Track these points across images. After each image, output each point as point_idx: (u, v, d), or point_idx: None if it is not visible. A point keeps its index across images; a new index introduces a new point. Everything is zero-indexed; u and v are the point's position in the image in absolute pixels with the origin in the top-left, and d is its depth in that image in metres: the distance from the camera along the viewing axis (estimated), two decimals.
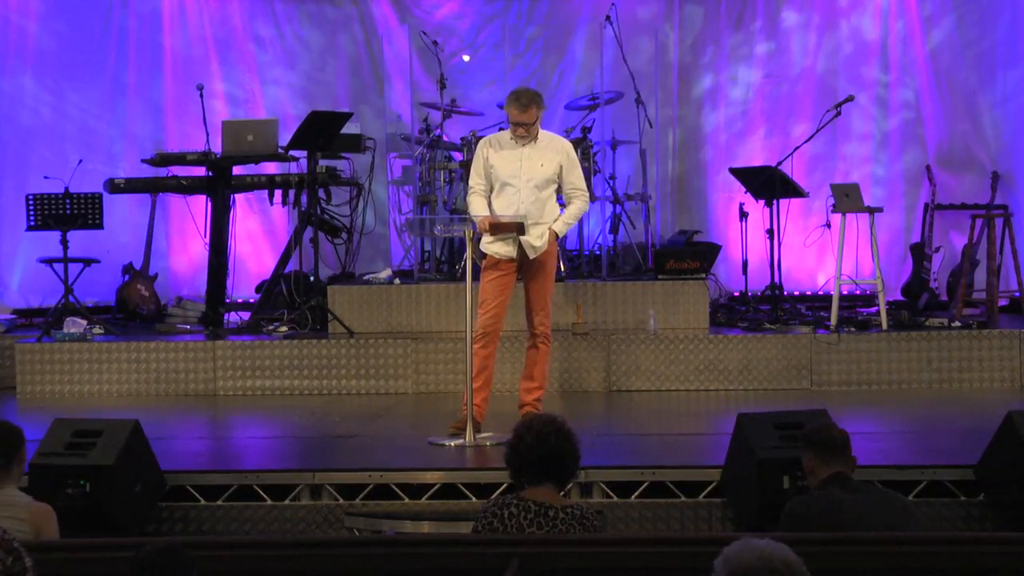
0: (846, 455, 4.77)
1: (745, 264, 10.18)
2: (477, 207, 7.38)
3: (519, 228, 7.18)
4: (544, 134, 7.48)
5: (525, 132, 7.32)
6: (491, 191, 7.43)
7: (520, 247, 7.30)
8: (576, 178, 7.45)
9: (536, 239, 7.30)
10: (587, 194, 7.64)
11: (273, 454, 7.48)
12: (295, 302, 9.73)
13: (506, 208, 7.33)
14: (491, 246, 7.36)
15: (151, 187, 10.50)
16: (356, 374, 9.05)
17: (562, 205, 7.57)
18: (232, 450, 7.64)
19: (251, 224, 11.31)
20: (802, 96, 11.35)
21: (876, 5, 11.33)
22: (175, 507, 6.50)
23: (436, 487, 6.51)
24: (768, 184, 9.76)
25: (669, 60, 11.43)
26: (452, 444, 7.13)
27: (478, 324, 7.33)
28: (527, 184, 7.33)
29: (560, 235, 7.50)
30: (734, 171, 10.28)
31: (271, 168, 10.50)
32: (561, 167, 7.38)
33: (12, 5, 10.92)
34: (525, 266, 7.38)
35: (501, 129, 10.39)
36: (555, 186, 7.45)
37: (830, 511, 4.60)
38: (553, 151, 7.39)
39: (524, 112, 7.27)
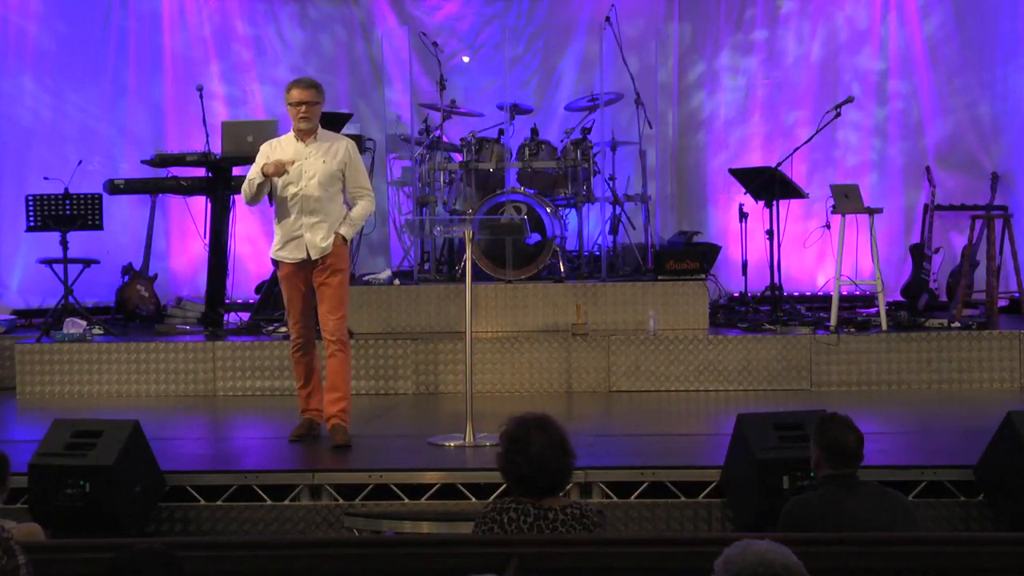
0: (856, 462, 4.71)
1: (745, 265, 10.18)
2: (253, 171, 7.18)
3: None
4: (327, 133, 7.35)
5: (306, 112, 7.14)
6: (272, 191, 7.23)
7: (307, 249, 7.18)
8: (362, 177, 7.28)
9: (321, 240, 7.18)
10: (373, 193, 7.37)
11: (273, 454, 7.46)
12: None
13: (291, 206, 7.16)
14: (279, 252, 7.26)
15: (151, 188, 10.49)
16: (356, 374, 9.00)
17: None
18: (232, 450, 7.63)
19: (251, 225, 11.31)
20: (800, 86, 11.36)
21: None
22: (175, 507, 6.51)
23: (436, 487, 6.51)
24: (768, 185, 9.76)
25: (668, 61, 11.44)
26: (452, 444, 7.15)
27: (292, 335, 7.37)
28: (311, 181, 7.16)
29: (347, 238, 7.24)
30: (734, 172, 10.28)
31: None
32: (345, 165, 7.22)
33: (12, 5, 10.92)
34: (316, 268, 7.23)
35: (500, 131, 10.46)
36: (340, 184, 7.26)
37: (829, 511, 4.59)
38: (337, 149, 7.23)
39: (306, 91, 7.16)
